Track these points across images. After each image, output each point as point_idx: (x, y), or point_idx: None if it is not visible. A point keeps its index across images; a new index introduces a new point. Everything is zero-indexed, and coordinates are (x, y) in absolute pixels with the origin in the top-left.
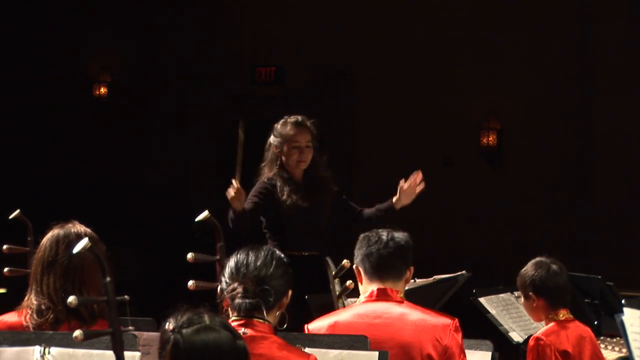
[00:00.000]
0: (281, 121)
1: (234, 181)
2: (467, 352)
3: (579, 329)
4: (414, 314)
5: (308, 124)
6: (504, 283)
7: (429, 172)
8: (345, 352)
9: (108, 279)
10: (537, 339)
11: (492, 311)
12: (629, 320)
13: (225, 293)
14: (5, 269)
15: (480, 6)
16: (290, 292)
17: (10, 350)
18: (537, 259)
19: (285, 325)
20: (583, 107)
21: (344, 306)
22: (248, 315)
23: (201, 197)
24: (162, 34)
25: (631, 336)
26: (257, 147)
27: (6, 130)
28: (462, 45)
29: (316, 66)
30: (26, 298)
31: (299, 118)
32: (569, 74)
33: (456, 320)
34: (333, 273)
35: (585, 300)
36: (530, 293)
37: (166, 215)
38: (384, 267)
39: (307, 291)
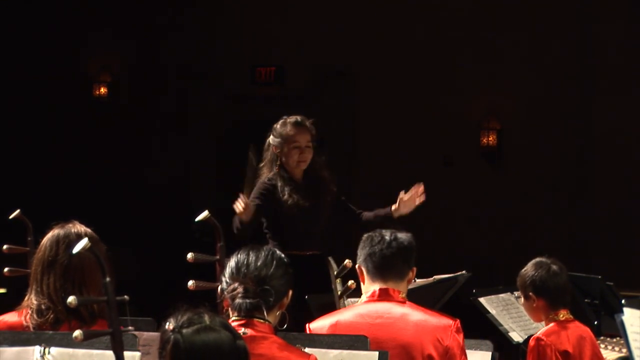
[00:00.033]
0: (280, 121)
1: (242, 196)
2: (467, 352)
3: (579, 329)
4: (416, 315)
5: (307, 124)
6: (504, 283)
7: (429, 172)
8: (345, 352)
9: (108, 279)
10: (538, 339)
11: (492, 311)
12: (629, 320)
13: (225, 293)
14: (6, 269)
15: (480, 6)
16: (290, 292)
17: (10, 350)
18: (537, 259)
19: (285, 326)
20: (583, 107)
21: (345, 306)
22: (248, 315)
23: (201, 197)
24: (162, 34)
25: (631, 336)
26: (257, 147)
27: (6, 130)
28: (462, 45)
29: (316, 66)
30: (26, 298)
31: (299, 118)
32: (569, 74)
33: (457, 321)
34: (335, 273)
35: (585, 300)
36: (531, 293)
37: (166, 215)
38: (387, 267)
39: (309, 291)
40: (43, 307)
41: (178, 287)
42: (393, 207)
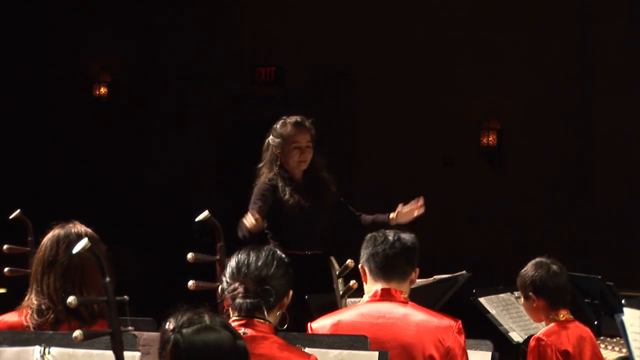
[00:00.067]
0: (280, 122)
1: (252, 212)
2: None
3: (579, 329)
4: (417, 315)
5: (307, 124)
6: (504, 283)
7: (429, 172)
8: (345, 352)
9: (107, 279)
10: (538, 340)
11: (492, 311)
12: (629, 320)
13: (226, 293)
14: (6, 269)
15: (480, 6)
16: (291, 293)
17: (10, 350)
18: (537, 259)
19: (286, 326)
20: (583, 107)
21: (346, 306)
22: (249, 315)
23: (201, 197)
24: (162, 34)
25: (631, 336)
26: (257, 147)
27: (6, 130)
28: (462, 45)
29: (316, 66)
30: (26, 298)
31: (299, 118)
32: (569, 74)
33: (459, 322)
34: (337, 273)
35: (585, 300)
36: (530, 293)
37: (166, 215)
38: (389, 267)
39: (311, 290)
40: (43, 307)
41: (178, 287)
42: (391, 215)
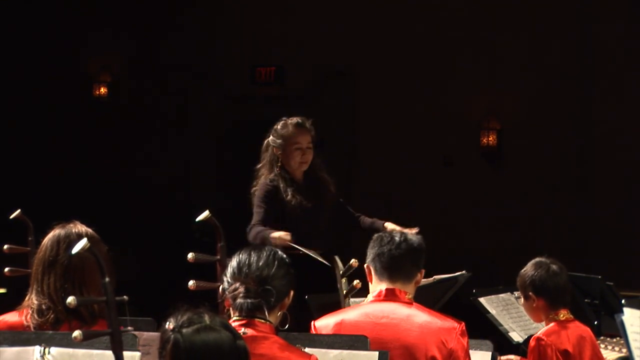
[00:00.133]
0: (281, 122)
1: (289, 237)
2: None
3: (579, 329)
4: (421, 316)
5: (308, 125)
6: (504, 283)
7: (429, 172)
8: (345, 352)
9: (107, 279)
10: (538, 339)
11: (492, 311)
12: (629, 320)
13: (227, 293)
14: (6, 269)
15: (480, 6)
16: (292, 293)
17: (10, 350)
18: (537, 259)
19: (287, 326)
20: (583, 107)
21: (349, 305)
22: (249, 315)
23: (201, 197)
24: (162, 34)
25: (631, 336)
26: (257, 147)
27: (6, 130)
28: (462, 45)
29: (316, 66)
30: (27, 298)
31: (299, 119)
32: (569, 74)
33: (463, 324)
34: (341, 272)
35: (585, 300)
36: (530, 293)
37: (166, 215)
38: (395, 267)
39: (314, 290)
40: (43, 307)
41: (178, 287)
42: (386, 224)
